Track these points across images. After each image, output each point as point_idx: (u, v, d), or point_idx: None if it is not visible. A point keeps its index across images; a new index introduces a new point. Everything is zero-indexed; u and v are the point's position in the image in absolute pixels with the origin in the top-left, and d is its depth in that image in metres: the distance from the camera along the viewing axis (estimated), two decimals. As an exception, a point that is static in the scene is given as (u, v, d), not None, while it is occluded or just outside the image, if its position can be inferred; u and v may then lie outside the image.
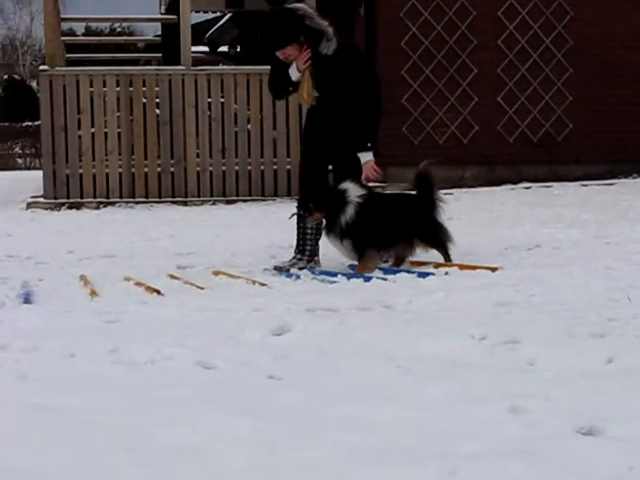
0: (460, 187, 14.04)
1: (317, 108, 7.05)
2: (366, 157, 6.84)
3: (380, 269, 6.58)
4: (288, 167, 13.43)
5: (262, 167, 13.50)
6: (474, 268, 6.46)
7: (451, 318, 4.74)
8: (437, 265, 6.66)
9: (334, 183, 6.82)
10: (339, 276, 6.35)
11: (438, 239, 6.82)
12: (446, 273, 6.35)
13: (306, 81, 6.84)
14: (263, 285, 6.13)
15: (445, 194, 13.20)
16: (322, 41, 6.72)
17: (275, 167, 13.50)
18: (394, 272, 6.43)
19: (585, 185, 13.78)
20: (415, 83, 14.34)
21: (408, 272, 6.42)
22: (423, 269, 6.58)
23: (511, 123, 14.56)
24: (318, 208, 6.70)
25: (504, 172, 14.33)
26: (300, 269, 6.76)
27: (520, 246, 7.77)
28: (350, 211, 6.55)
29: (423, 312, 4.97)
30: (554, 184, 13.96)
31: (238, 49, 24.24)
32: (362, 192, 6.65)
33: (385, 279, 6.20)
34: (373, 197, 6.80)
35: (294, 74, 6.84)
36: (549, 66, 14.58)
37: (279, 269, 6.81)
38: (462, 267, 6.51)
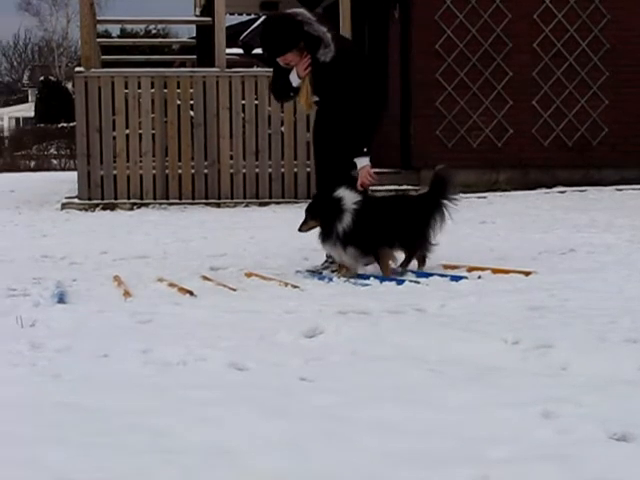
0: (494, 191, 14.00)
1: (319, 113, 7.08)
2: (362, 162, 6.76)
3: (413, 272, 6.56)
4: (321, 169, 13.40)
5: (295, 169, 13.52)
6: (507, 272, 6.43)
7: (484, 322, 4.72)
8: (470, 269, 6.63)
9: (329, 189, 6.74)
10: (371, 279, 6.33)
11: (412, 244, 6.72)
12: (479, 277, 6.33)
13: (305, 88, 6.82)
14: (295, 287, 6.13)
15: (479, 197, 13.28)
16: (320, 48, 6.67)
17: (308, 169, 13.49)
18: (427, 275, 6.41)
19: (620, 189, 13.70)
20: (449, 86, 14.31)
21: (441, 275, 6.39)
22: (456, 272, 6.56)
23: (546, 127, 14.50)
24: (313, 217, 6.65)
25: (538, 176, 14.28)
26: (332, 272, 6.76)
27: (554, 250, 7.72)
28: (347, 219, 6.47)
29: (456, 316, 4.95)
30: (589, 188, 13.88)
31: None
32: (358, 198, 6.57)
33: (418, 282, 6.18)
34: (369, 202, 6.71)
35: (295, 80, 6.82)
36: (585, 69, 14.50)
37: (312, 272, 6.82)
38: (495, 271, 6.48)
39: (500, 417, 3.17)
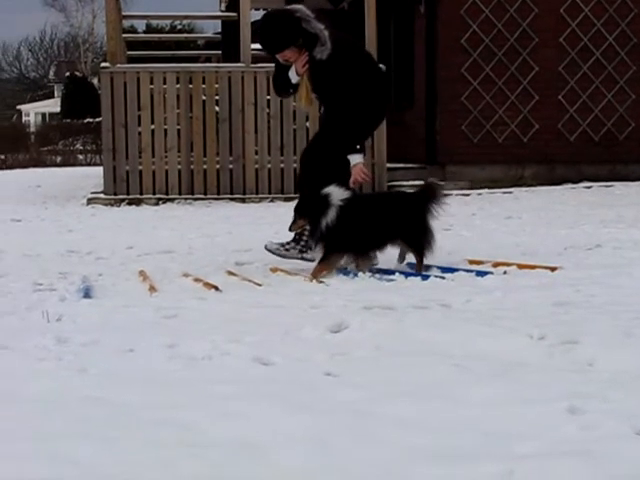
0: (520, 186, 13.96)
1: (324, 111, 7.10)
2: (355, 159, 6.72)
3: (438, 267, 6.53)
4: (346, 165, 13.40)
5: (320, 164, 13.49)
6: (533, 267, 6.41)
7: (509, 317, 4.70)
8: (496, 264, 6.61)
9: (321, 187, 6.70)
10: (397, 274, 6.33)
11: (418, 243, 6.60)
12: (505, 272, 6.31)
13: (304, 85, 6.81)
14: (320, 282, 6.14)
15: (504, 193, 13.25)
16: (317, 45, 6.64)
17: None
18: (452, 271, 6.39)
19: (647, 185, 13.63)
20: (475, 81, 14.27)
21: (466, 271, 6.38)
22: (481, 268, 6.54)
23: (572, 122, 14.44)
24: (302, 215, 6.64)
25: (564, 171, 14.22)
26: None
27: (580, 246, 7.69)
28: (332, 215, 6.43)
29: (481, 311, 4.94)
30: (615, 184, 13.82)
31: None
32: (345, 195, 6.52)
33: (443, 278, 6.17)
34: (357, 200, 6.67)
35: (294, 77, 6.81)
36: (612, 64, 14.43)
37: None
38: (521, 266, 6.46)
39: (525, 413, 3.16)
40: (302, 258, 6.89)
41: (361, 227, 6.51)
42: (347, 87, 6.69)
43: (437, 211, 6.61)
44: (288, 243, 6.95)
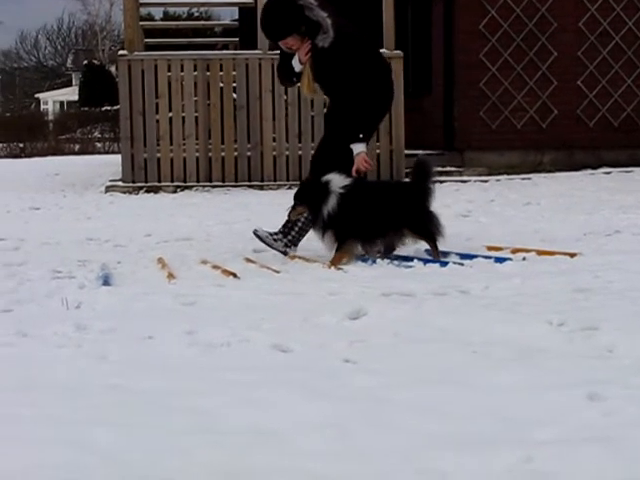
0: (538, 172, 13.91)
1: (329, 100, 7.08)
2: (358, 149, 6.69)
3: (457, 254, 6.52)
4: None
5: (338, 151, 13.48)
6: (552, 254, 6.38)
7: (528, 304, 4.69)
8: (514, 250, 6.59)
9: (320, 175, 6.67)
10: (415, 261, 6.32)
11: (427, 230, 6.57)
12: (523, 258, 6.29)
13: (307, 73, 6.78)
14: (339, 269, 6.13)
15: (523, 179, 13.22)
16: (319, 33, 6.61)
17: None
18: (471, 257, 6.38)
19: (667, 170, 13.57)
20: (493, 67, 14.22)
21: (485, 257, 6.36)
22: (500, 254, 6.52)
23: (591, 107, 14.37)
24: (302, 202, 6.62)
25: (583, 157, 14.16)
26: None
27: (599, 232, 7.66)
28: (332, 202, 6.42)
29: (500, 297, 4.92)
30: (635, 169, 13.76)
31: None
32: (346, 183, 6.50)
33: (462, 264, 6.15)
34: (358, 187, 6.61)
35: (297, 65, 6.78)
36: (632, 48, 14.36)
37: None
38: (540, 252, 6.44)
39: (545, 399, 3.15)
40: (284, 253, 6.87)
41: (363, 214, 6.49)
42: (349, 76, 6.67)
43: (434, 190, 6.59)
44: (277, 234, 6.93)
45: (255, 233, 6.93)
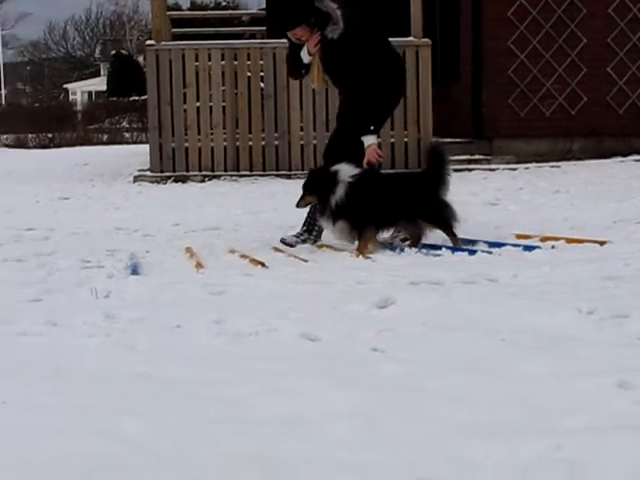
0: (568, 160, 13.82)
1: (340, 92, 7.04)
2: (369, 140, 6.66)
3: (485, 242, 6.49)
4: (392, 140, 13.37)
5: (366, 140, 13.45)
6: (581, 242, 6.35)
7: (558, 292, 4.67)
8: (543, 238, 6.56)
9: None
10: (443, 249, 6.30)
11: (442, 219, 6.55)
12: (553, 247, 6.26)
13: (316, 65, 6.75)
14: (367, 258, 6.12)
15: (552, 167, 13.14)
16: (328, 24, 6.57)
17: (379, 140, 13.42)
18: (499, 245, 6.35)
19: (697, 157, 13.46)
20: (522, 54, 14.13)
21: (514, 245, 6.33)
22: (529, 242, 6.49)
23: (621, 94, 14.25)
24: (310, 192, 6.59)
25: (613, 144, 14.05)
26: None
27: (629, 219, 7.61)
28: (340, 192, 6.40)
29: (529, 286, 4.91)
30: (665, 157, 13.65)
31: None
32: (355, 172, 6.47)
33: (490, 252, 6.13)
34: (368, 177, 6.57)
35: (305, 57, 6.75)
36: (662, 35, 14.22)
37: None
38: (569, 240, 6.41)
39: (575, 387, 3.13)
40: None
41: (372, 204, 6.46)
42: (359, 67, 6.63)
43: (447, 176, 6.55)
44: (302, 234, 6.92)
45: (283, 242, 6.88)
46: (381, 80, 6.69)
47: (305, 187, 6.63)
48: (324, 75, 6.82)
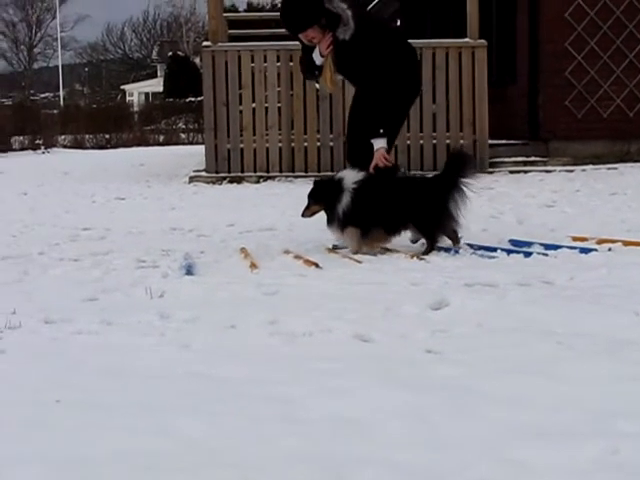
0: (625, 162, 13.68)
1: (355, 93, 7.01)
2: (378, 144, 6.61)
3: (541, 244, 6.44)
4: (448, 141, 13.33)
5: (421, 141, 13.44)
6: (639, 244, 6.28)
7: (614, 295, 4.63)
8: (600, 241, 6.50)
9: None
10: (499, 251, 6.26)
11: (425, 226, 6.49)
12: (609, 249, 6.20)
13: (328, 66, 6.70)
14: (421, 259, 6.11)
15: (609, 169, 13.01)
16: (339, 26, 6.52)
17: (434, 141, 13.42)
18: (555, 248, 6.30)
19: None
20: (579, 55, 14.01)
21: (570, 248, 6.28)
22: (585, 245, 6.43)
23: (680, 96, 14.08)
24: (316, 201, 6.54)
25: (671, 146, 13.89)
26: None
27: (688, 222, 7.51)
28: (346, 199, 6.34)
29: (585, 288, 4.86)
30: None
31: (398, 23, 24.14)
32: (359, 178, 6.42)
33: (546, 254, 6.09)
34: (372, 182, 6.49)
35: (317, 58, 6.71)
36: None
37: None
38: (626, 243, 6.34)
39: (632, 391, 3.11)
40: None
41: (372, 208, 6.41)
42: (371, 68, 6.59)
43: (465, 186, 6.42)
44: None
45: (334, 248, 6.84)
46: (393, 81, 6.63)
47: (310, 196, 6.61)
48: (336, 77, 6.79)
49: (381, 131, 6.62)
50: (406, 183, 6.85)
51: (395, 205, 6.47)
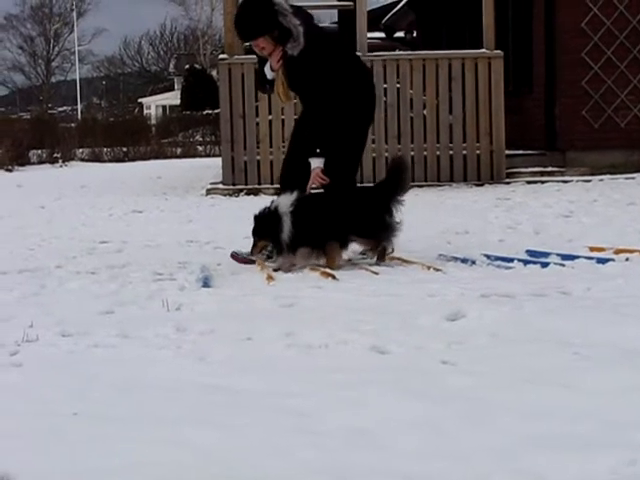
0: (642, 171, 13.64)
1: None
2: (315, 163, 6.58)
3: (558, 255, 6.43)
4: (464, 152, 13.33)
5: (437, 152, 13.44)
6: (656, 254, 6.26)
7: (632, 305, 4.61)
8: (617, 251, 6.48)
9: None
10: (515, 262, 6.25)
11: (372, 234, 6.51)
12: (627, 259, 6.18)
13: (280, 81, 6.68)
14: (438, 270, 6.10)
15: (627, 178, 12.98)
16: (289, 41, 6.49)
17: (451, 152, 13.41)
18: (572, 258, 6.29)
19: None
20: (596, 65, 13.99)
21: (587, 258, 6.26)
22: (603, 255, 6.41)
23: (697, 105, 14.03)
24: (260, 237, 6.53)
25: (689, 155, 13.84)
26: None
27: None
28: (287, 225, 6.33)
29: (602, 299, 4.85)
30: None
31: (414, 34, 24.18)
32: (292, 199, 6.42)
33: (563, 265, 6.07)
34: (307, 199, 6.53)
35: (269, 73, 6.71)
36: None
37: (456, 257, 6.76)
38: (644, 253, 6.32)
39: (648, 402, 3.09)
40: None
41: (312, 224, 6.41)
42: (316, 86, 6.58)
43: (401, 194, 6.57)
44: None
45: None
46: (337, 101, 6.58)
47: (254, 234, 6.58)
48: (289, 91, 6.79)
49: (318, 150, 6.58)
50: (344, 195, 6.76)
51: (335, 217, 6.47)
